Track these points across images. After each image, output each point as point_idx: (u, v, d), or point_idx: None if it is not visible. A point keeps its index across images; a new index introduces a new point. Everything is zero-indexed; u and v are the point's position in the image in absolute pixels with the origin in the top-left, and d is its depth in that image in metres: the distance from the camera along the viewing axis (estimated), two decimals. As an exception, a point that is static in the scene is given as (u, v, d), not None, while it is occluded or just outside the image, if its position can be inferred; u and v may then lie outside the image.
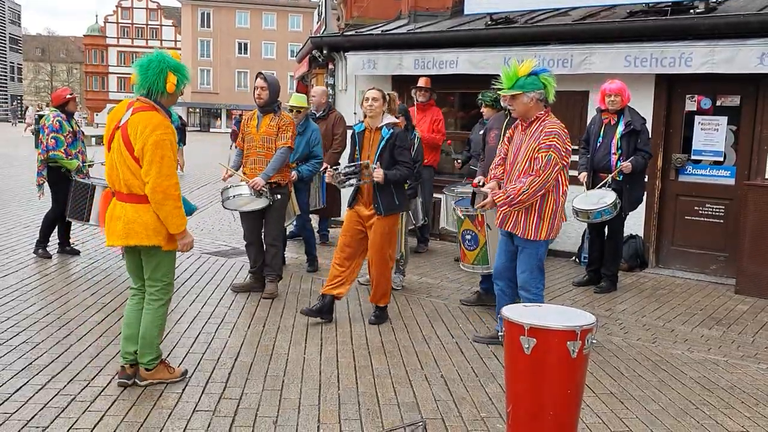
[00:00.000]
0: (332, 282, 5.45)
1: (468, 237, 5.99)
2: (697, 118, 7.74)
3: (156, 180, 3.76)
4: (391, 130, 5.29)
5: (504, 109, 5.99)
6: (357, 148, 5.43)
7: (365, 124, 5.40)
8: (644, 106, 7.70)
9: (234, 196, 5.98)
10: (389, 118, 5.36)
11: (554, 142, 4.55)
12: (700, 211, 7.77)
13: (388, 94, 5.44)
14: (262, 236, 6.32)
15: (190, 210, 6.18)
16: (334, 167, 5.45)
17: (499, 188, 4.87)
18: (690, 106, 7.80)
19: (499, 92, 4.87)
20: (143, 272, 4.06)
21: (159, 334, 4.09)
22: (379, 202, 5.28)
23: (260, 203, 6.03)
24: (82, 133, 7.39)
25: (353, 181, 5.31)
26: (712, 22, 7.11)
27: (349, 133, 7.26)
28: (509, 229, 4.79)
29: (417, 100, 8.34)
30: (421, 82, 8.38)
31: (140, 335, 4.03)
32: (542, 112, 4.70)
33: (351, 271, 5.50)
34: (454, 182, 8.14)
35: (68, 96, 7.18)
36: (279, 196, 6.11)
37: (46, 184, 7.16)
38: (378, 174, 5.17)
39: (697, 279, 7.56)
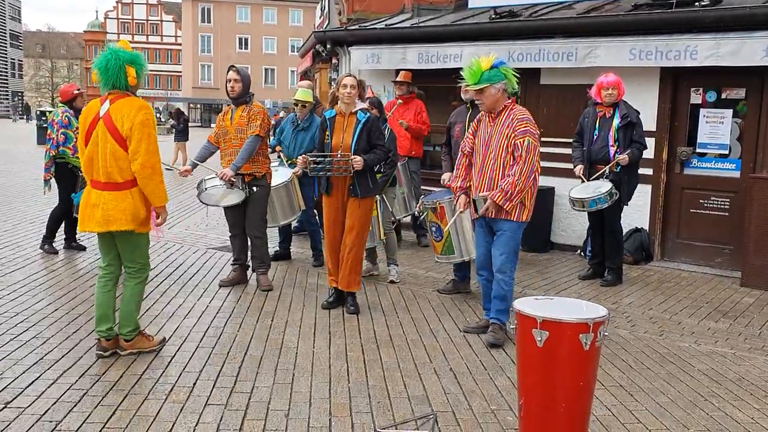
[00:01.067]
0: (332, 276, 5.66)
1: (433, 229, 6.11)
2: (702, 111, 7.74)
3: (145, 156, 4.06)
4: (367, 114, 5.45)
5: (465, 103, 6.07)
6: (328, 132, 5.50)
7: (336, 109, 5.50)
8: (649, 99, 7.71)
9: (207, 189, 5.97)
10: (361, 104, 5.54)
11: (528, 128, 4.79)
12: (706, 204, 7.77)
13: (360, 81, 5.60)
14: (246, 229, 6.31)
15: None
16: (310, 154, 5.50)
17: (468, 197, 5.08)
18: (695, 99, 7.80)
19: (467, 88, 4.95)
20: (114, 251, 4.37)
21: (137, 308, 4.40)
22: (356, 185, 5.39)
23: (235, 196, 6.01)
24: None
25: (326, 167, 5.35)
26: (718, 15, 7.10)
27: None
28: (492, 216, 4.87)
29: (395, 94, 8.41)
30: (399, 76, 8.40)
31: (120, 309, 4.34)
32: (509, 102, 4.89)
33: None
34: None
35: (75, 92, 7.18)
36: (255, 189, 6.08)
37: (53, 179, 7.18)
38: (358, 162, 5.27)
39: (703, 272, 7.57)
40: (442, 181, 6.18)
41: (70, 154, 6.94)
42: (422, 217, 6.45)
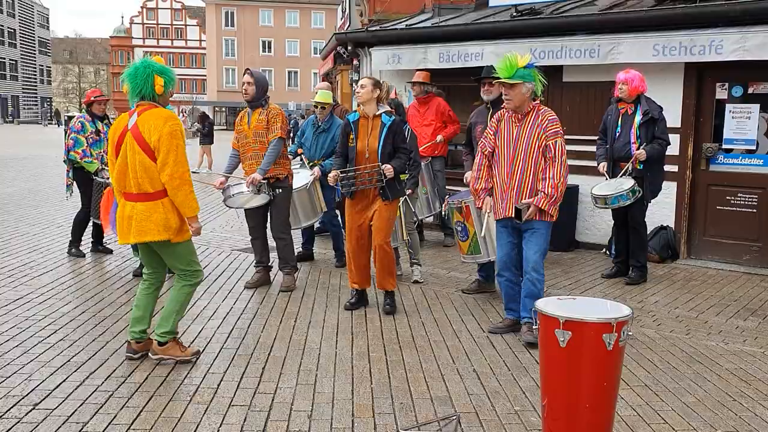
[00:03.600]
0: (354, 278, 5.68)
1: (459, 228, 6.07)
2: (728, 107, 7.61)
3: (174, 167, 4.07)
4: (392, 118, 5.42)
5: (485, 103, 6.01)
6: (353, 136, 5.47)
7: (360, 112, 5.48)
8: (673, 95, 7.61)
9: (234, 195, 6.01)
10: (384, 107, 5.50)
11: (559, 128, 4.85)
12: (733, 201, 7.65)
13: (383, 82, 5.57)
14: (270, 230, 6.36)
15: None
16: (342, 171, 5.46)
17: (492, 198, 5.08)
18: (720, 94, 7.68)
19: (498, 81, 4.87)
20: (158, 261, 4.42)
21: (179, 311, 4.37)
22: (386, 189, 5.39)
23: (261, 199, 6.07)
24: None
25: (352, 187, 5.38)
26: (743, 8, 6.97)
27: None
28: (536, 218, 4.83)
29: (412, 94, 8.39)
30: (414, 77, 8.32)
31: (163, 308, 4.35)
32: (536, 102, 4.90)
33: (367, 261, 5.68)
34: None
35: (93, 98, 7.32)
36: (279, 191, 6.13)
37: (75, 184, 7.29)
38: (389, 171, 5.30)
39: (730, 269, 7.45)
40: (465, 181, 6.14)
41: (78, 158, 7.04)
42: (447, 217, 6.41)
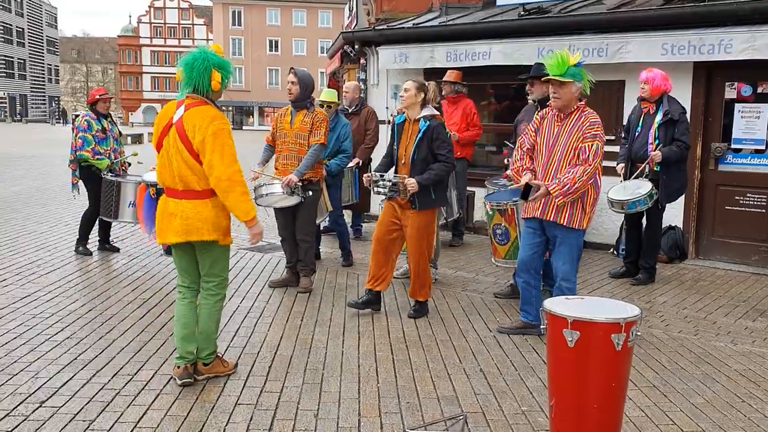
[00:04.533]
0: (372, 277, 5.49)
1: (499, 231, 5.97)
2: (737, 106, 7.57)
3: (220, 168, 3.80)
4: (428, 123, 5.22)
5: (535, 102, 5.94)
6: (395, 140, 5.39)
7: (405, 115, 5.38)
8: (682, 94, 7.55)
9: (266, 194, 5.99)
10: (428, 110, 5.30)
11: (599, 132, 4.69)
12: (741, 201, 7.61)
13: (426, 83, 5.39)
14: (296, 232, 6.35)
15: None
16: (379, 174, 5.34)
17: (534, 178, 4.88)
18: (730, 93, 7.64)
19: (548, 79, 4.78)
20: (197, 269, 4.11)
21: (216, 329, 4.17)
22: (415, 197, 5.23)
23: (293, 200, 6.04)
24: (119, 132, 7.52)
25: (384, 191, 5.26)
26: (753, 6, 6.92)
27: (382, 127, 7.08)
28: (551, 219, 4.79)
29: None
30: (446, 76, 8.25)
31: (199, 331, 4.08)
32: (582, 103, 4.79)
33: (388, 265, 5.53)
34: (494, 174, 8.00)
35: (97, 96, 7.34)
36: (311, 193, 6.11)
37: (81, 183, 7.32)
38: (412, 185, 5.11)
39: (739, 270, 7.41)
40: (506, 176, 6.01)
41: (90, 156, 7.06)
42: (486, 218, 6.24)
